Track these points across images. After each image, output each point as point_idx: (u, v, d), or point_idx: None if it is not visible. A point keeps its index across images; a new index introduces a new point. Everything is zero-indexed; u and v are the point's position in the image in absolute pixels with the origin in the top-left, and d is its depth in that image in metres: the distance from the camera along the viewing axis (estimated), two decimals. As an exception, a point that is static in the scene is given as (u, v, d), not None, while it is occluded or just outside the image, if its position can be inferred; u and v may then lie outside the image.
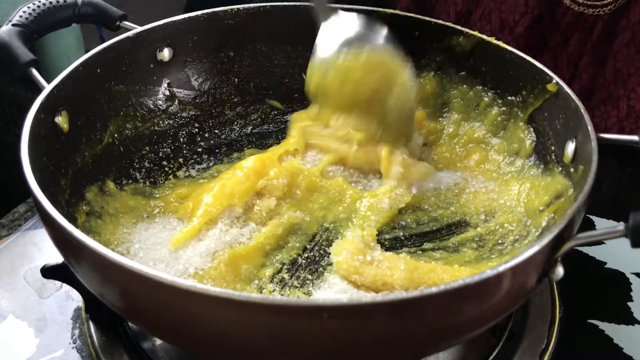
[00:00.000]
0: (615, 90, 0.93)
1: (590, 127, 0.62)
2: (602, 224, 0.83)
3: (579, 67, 0.95)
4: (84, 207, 0.68)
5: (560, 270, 0.52)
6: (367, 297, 0.43)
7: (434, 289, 0.44)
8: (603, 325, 0.71)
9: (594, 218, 0.84)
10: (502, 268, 0.46)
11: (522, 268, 0.48)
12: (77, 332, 0.68)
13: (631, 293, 0.75)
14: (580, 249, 0.78)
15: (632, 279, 0.77)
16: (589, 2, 0.91)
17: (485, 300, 0.48)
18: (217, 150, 0.85)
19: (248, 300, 0.43)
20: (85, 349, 0.66)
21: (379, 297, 0.43)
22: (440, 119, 0.87)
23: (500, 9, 0.99)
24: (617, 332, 0.71)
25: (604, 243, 0.79)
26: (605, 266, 0.78)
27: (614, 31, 0.91)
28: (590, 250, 0.80)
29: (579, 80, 0.96)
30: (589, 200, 0.56)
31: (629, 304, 0.74)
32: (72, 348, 0.67)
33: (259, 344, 0.48)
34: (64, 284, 0.70)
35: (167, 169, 0.81)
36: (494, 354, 0.66)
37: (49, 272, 0.65)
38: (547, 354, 0.66)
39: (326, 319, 0.43)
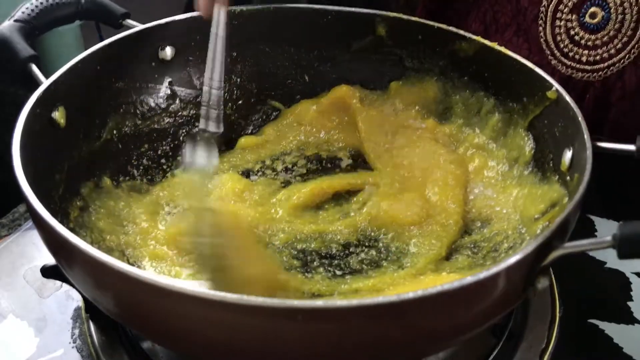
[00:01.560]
0: None
1: (586, 135, 0.62)
2: (602, 224, 0.82)
3: None
4: (77, 203, 0.68)
5: (545, 280, 0.51)
6: (343, 300, 0.43)
7: (410, 294, 0.43)
8: (603, 325, 0.71)
9: (593, 218, 0.83)
10: (483, 275, 0.46)
11: (504, 275, 0.48)
12: (77, 331, 0.68)
13: (631, 293, 0.75)
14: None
15: (632, 278, 0.76)
16: (577, 66, 0.84)
17: (466, 306, 0.48)
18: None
19: (223, 300, 0.43)
20: (85, 348, 0.66)
21: (354, 301, 0.43)
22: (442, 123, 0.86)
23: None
24: (617, 332, 0.70)
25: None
26: (605, 266, 0.78)
27: (607, 100, 0.84)
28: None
29: None
30: (589, 204, 0.55)
31: (629, 303, 0.74)
32: (72, 348, 0.67)
33: (242, 344, 0.48)
34: (64, 284, 0.70)
35: (165, 167, 0.81)
36: (494, 354, 0.65)
37: (48, 271, 0.65)
38: (547, 354, 0.66)
39: (301, 321, 0.43)
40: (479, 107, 0.83)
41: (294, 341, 0.46)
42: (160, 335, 0.54)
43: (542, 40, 0.85)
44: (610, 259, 0.78)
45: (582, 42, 0.82)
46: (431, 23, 0.84)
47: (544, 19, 0.85)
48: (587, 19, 0.81)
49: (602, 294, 0.76)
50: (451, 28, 0.82)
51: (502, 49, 0.78)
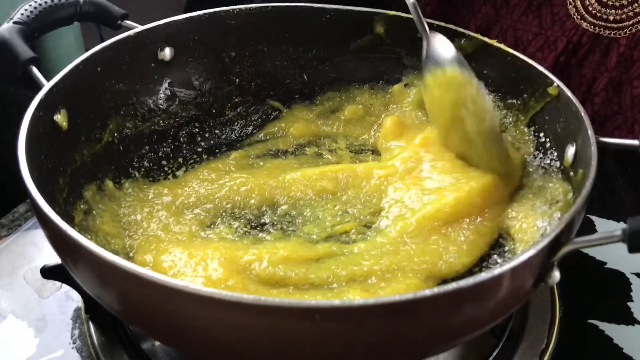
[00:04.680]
0: (632, 116, 0.92)
1: (590, 131, 0.62)
2: (602, 224, 0.83)
3: (592, 90, 0.94)
4: (81, 206, 0.67)
5: (556, 275, 0.51)
6: (360, 299, 0.43)
7: (427, 292, 0.43)
8: (603, 325, 0.71)
9: (594, 218, 0.84)
10: (497, 271, 0.46)
11: (518, 271, 0.48)
12: (77, 332, 0.68)
13: (631, 293, 0.75)
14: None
15: (632, 279, 0.77)
16: (606, 24, 0.90)
17: (480, 303, 0.48)
18: (217, 150, 0.85)
19: (240, 301, 0.43)
20: (85, 349, 0.66)
21: (371, 299, 0.43)
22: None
23: (515, 27, 0.99)
24: (617, 332, 0.71)
25: (602, 244, 0.79)
26: (605, 266, 0.78)
27: (631, 56, 0.90)
28: (590, 250, 0.79)
29: (591, 105, 0.95)
30: (588, 203, 0.56)
31: (629, 304, 0.74)
32: (72, 348, 0.67)
33: (253, 345, 0.48)
34: (64, 284, 0.70)
35: (166, 168, 0.81)
36: (494, 354, 0.66)
37: (48, 272, 0.65)
38: (547, 354, 0.66)
39: (318, 320, 0.43)
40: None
41: (309, 341, 0.46)
42: (168, 335, 0.54)
43: (570, 5, 0.92)
44: (611, 259, 0.79)
45: (610, 2, 0.89)
46: (430, 21, 0.84)
47: None
48: None
49: (602, 294, 0.77)
50: (450, 26, 0.82)
51: (502, 46, 0.79)
